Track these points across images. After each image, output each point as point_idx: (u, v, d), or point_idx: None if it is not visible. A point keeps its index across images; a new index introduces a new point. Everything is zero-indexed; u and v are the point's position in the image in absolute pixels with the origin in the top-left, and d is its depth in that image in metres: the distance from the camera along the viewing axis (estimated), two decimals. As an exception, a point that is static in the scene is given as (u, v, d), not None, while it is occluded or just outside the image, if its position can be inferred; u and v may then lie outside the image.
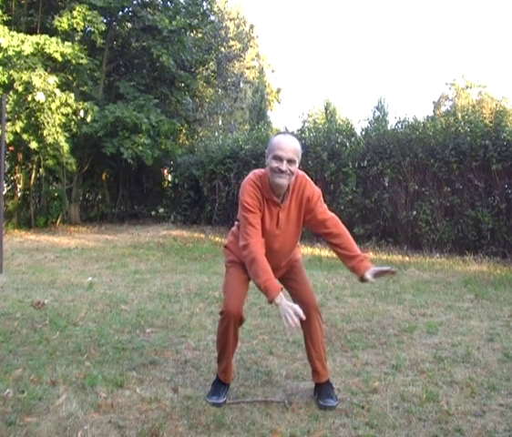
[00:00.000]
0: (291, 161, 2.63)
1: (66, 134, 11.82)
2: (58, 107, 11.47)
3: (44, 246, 9.67)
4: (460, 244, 8.66)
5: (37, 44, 11.31)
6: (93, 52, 13.27)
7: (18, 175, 13.94)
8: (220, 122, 22.07)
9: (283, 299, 2.52)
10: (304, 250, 8.45)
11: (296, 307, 2.49)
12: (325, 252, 8.64)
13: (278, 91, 35.51)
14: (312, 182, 2.84)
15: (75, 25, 11.89)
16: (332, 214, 2.82)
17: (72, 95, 11.78)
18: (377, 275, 2.69)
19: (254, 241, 2.64)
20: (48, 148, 11.75)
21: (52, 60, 11.75)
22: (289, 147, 2.65)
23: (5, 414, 2.57)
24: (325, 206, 2.84)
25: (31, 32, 12.13)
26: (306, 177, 2.83)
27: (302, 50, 66.67)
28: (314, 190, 2.80)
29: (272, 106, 34.19)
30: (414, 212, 9.03)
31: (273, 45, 62.69)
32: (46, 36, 11.52)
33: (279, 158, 2.62)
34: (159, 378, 3.14)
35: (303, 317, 2.47)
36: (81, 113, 11.98)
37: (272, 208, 2.74)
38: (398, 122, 9.86)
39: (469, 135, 8.71)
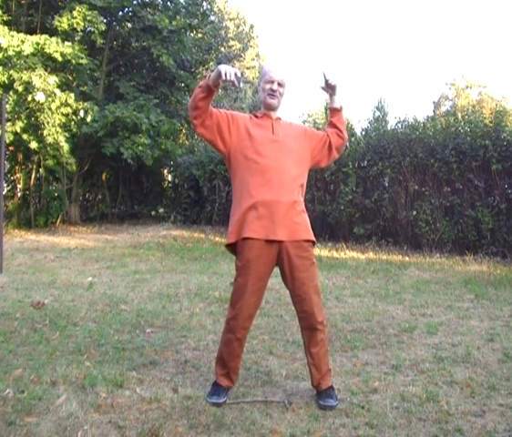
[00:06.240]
0: (280, 84, 2.93)
1: (66, 134, 11.80)
2: (58, 107, 11.46)
3: (44, 246, 9.66)
4: (460, 244, 8.66)
5: (37, 44, 11.29)
6: (93, 52, 13.26)
7: (18, 175, 13.93)
8: (220, 122, 22.04)
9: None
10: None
11: (236, 70, 2.73)
12: (325, 252, 8.64)
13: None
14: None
15: (75, 25, 11.87)
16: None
17: (72, 95, 11.77)
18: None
19: None
20: (48, 148, 11.73)
21: (52, 60, 11.73)
22: (279, 71, 2.96)
23: (5, 414, 2.57)
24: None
25: (31, 32, 12.12)
26: None
27: (302, 50, 66.66)
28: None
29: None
30: (414, 212, 9.03)
31: (273, 45, 62.71)
32: (46, 36, 11.50)
33: (271, 81, 2.91)
34: (159, 378, 3.14)
35: (239, 76, 2.72)
36: (81, 113, 11.96)
37: (265, 121, 2.92)
38: (398, 122, 9.88)
39: (469, 135, 8.72)
